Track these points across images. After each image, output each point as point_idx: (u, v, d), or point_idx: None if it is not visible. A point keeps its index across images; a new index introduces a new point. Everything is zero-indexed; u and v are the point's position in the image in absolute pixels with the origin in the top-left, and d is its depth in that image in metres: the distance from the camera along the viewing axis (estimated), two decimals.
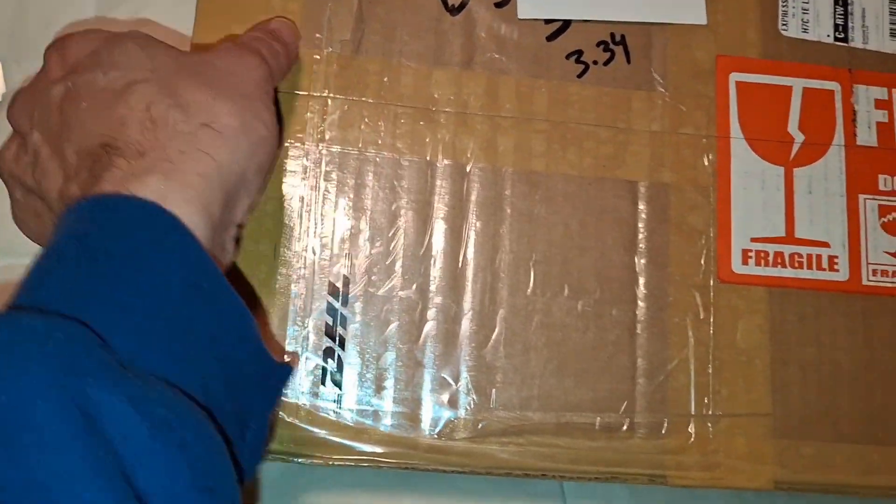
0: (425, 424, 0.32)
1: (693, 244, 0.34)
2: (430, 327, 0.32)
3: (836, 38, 0.36)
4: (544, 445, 0.32)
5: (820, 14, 0.36)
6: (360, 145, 0.33)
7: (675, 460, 0.32)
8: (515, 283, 0.33)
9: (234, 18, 0.34)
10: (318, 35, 0.34)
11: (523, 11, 0.35)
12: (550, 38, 0.35)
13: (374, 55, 0.34)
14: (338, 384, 0.32)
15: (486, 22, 0.35)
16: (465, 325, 0.33)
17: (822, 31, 0.36)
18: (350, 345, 0.32)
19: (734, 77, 0.35)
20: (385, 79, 0.34)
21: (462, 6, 0.35)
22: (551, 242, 0.33)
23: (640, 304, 0.33)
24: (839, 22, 0.36)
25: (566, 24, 0.36)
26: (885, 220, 0.35)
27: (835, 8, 0.37)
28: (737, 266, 0.34)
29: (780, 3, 0.37)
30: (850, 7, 0.37)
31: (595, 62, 0.35)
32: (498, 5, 0.36)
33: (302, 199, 0.33)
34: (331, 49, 0.34)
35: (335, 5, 0.34)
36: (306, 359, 0.32)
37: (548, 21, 0.36)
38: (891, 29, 0.37)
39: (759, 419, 0.33)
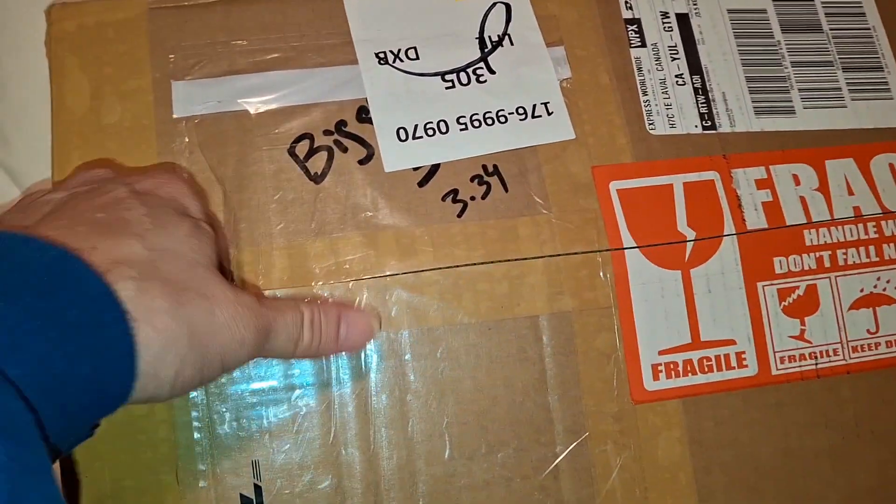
0: None
1: (602, 370, 0.35)
2: None
3: (704, 128, 0.38)
4: None
5: (683, 107, 0.38)
6: None
7: None
8: (431, 450, 0.34)
9: None
10: None
11: (389, 165, 0.36)
12: (421, 183, 0.36)
13: (246, 245, 0.34)
14: None
15: (352, 182, 0.36)
16: (388, 501, 0.33)
17: (689, 123, 0.38)
18: None
19: (614, 186, 0.36)
20: (260, 266, 0.34)
21: (325, 172, 0.36)
22: (461, 399, 0.34)
23: (559, 443, 0.34)
24: (703, 111, 0.38)
25: (436, 166, 0.36)
26: (786, 303, 0.36)
27: (696, 98, 0.38)
28: (648, 383, 0.35)
29: (643, 104, 0.38)
30: (710, 94, 0.38)
31: (472, 198, 0.36)
32: (361, 162, 0.36)
33: (193, 414, 0.33)
34: None
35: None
36: None
37: (416, 168, 0.36)
38: (754, 108, 0.38)
39: None
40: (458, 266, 0.35)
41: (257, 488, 0.33)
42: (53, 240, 0.24)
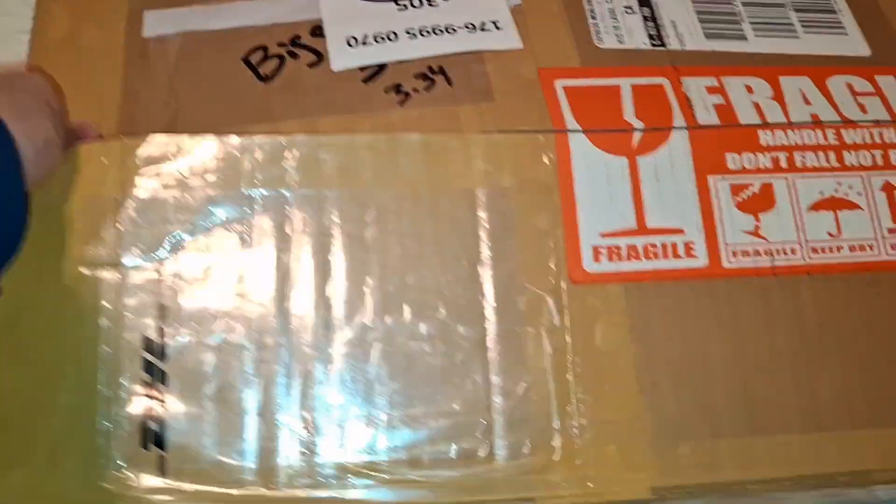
0: (268, 476, 0.31)
1: (540, 247, 0.35)
2: (263, 371, 0.32)
3: (653, 45, 0.39)
4: (399, 483, 0.31)
5: (633, 30, 0.40)
6: (170, 181, 0.34)
7: (541, 480, 0.31)
8: (351, 312, 0.33)
9: None
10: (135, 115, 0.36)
11: (337, 64, 0.38)
12: (367, 80, 0.38)
13: (192, 128, 0.36)
14: (161, 445, 0.31)
15: (300, 81, 0.37)
16: (301, 364, 0.32)
17: (638, 40, 0.39)
18: (172, 401, 0.31)
19: (560, 83, 0.38)
20: (199, 128, 0.35)
21: (275, 74, 0.38)
22: (387, 264, 0.34)
23: (489, 317, 0.33)
24: (652, 33, 0.40)
25: (382, 66, 0.38)
26: (740, 198, 0.36)
27: (645, 23, 0.40)
28: (588, 265, 0.34)
29: (592, 26, 0.40)
30: (659, 21, 0.40)
31: (416, 90, 0.37)
32: (311, 66, 0.38)
33: (100, 250, 0.33)
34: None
35: (147, 95, 0.37)
36: (126, 425, 0.31)
37: (363, 68, 0.38)
38: (705, 33, 0.40)
39: (630, 423, 0.32)
40: (396, 139, 0.36)
41: (161, 331, 0.32)
42: None
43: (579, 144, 0.36)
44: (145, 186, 0.34)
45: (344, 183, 0.35)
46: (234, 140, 0.35)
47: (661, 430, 0.32)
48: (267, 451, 0.31)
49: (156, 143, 0.34)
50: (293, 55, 0.39)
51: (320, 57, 0.39)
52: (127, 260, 0.33)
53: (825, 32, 0.41)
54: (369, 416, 0.32)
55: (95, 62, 0.38)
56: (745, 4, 0.42)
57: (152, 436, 0.31)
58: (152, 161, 0.34)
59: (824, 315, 0.35)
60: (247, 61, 0.38)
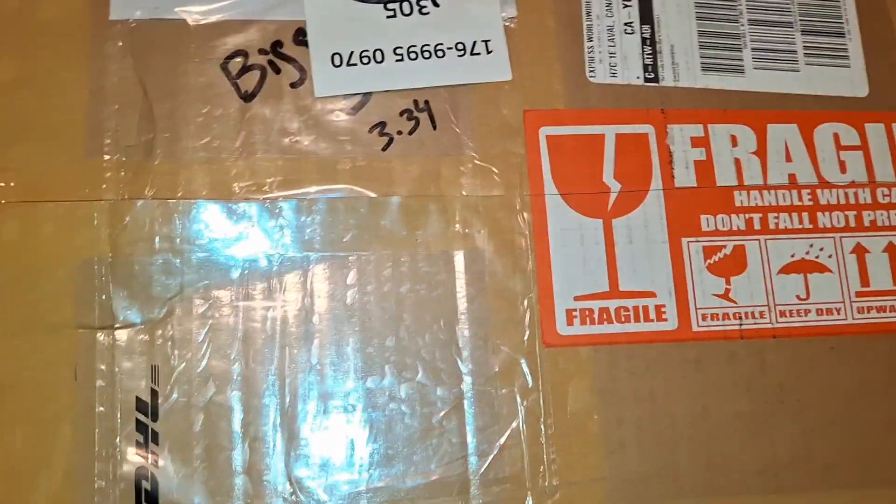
0: None
1: (515, 310, 0.36)
2: (249, 430, 0.34)
3: (646, 80, 0.38)
4: None
5: (628, 57, 0.39)
6: (161, 245, 0.35)
7: None
8: (334, 372, 0.35)
9: (16, 137, 0.35)
10: (107, 141, 0.35)
11: (320, 90, 0.37)
12: (351, 112, 0.37)
13: (167, 155, 0.36)
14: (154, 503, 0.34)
15: (281, 104, 0.37)
16: (287, 422, 0.35)
17: (632, 74, 0.38)
18: (164, 461, 0.34)
19: (544, 131, 0.37)
20: (180, 178, 0.36)
21: (256, 92, 0.37)
22: (368, 325, 0.35)
23: (466, 378, 0.35)
24: (647, 62, 0.39)
25: (367, 95, 0.37)
26: (711, 261, 0.37)
27: (643, 48, 0.39)
28: (562, 328, 0.36)
29: (587, 51, 0.39)
30: (658, 45, 0.39)
31: (399, 132, 0.37)
32: (293, 85, 0.37)
33: (96, 313, 0.34)
34: (119, 155, 0.35)
35: (121, 107, 0.36)
36: (120, 483, 0.33)
37: (347, 96, 0.37)
38: (702, 64, 0.39)
39: (595, 484, 0.35)
40: (376, 196, 0.36)
41: (154, 393, 0.34)
42: None
43: (556, 207, 0.37)
44: (137, 249, 0.35)
45: (326, 246, 0.36)
46: (223, 205, 0.35)
47: (626, 491, 0.35)
48: None
49: (147, 206, 0.35)
50: (275, 68, 0.38)
51: (303, 73, 0.38)
52: (120, 322, 0.34)
53: (827, 64, 0.40)
54: (351, 476, 0.35)
55: (57, 45, 0.37)
56: (751, 22, 0.40)
57: (145, 495, 0.34)
58: (144, 223, 0.35)
59: (787, 377, 0.37)
60: (225, 69, 0.37)
